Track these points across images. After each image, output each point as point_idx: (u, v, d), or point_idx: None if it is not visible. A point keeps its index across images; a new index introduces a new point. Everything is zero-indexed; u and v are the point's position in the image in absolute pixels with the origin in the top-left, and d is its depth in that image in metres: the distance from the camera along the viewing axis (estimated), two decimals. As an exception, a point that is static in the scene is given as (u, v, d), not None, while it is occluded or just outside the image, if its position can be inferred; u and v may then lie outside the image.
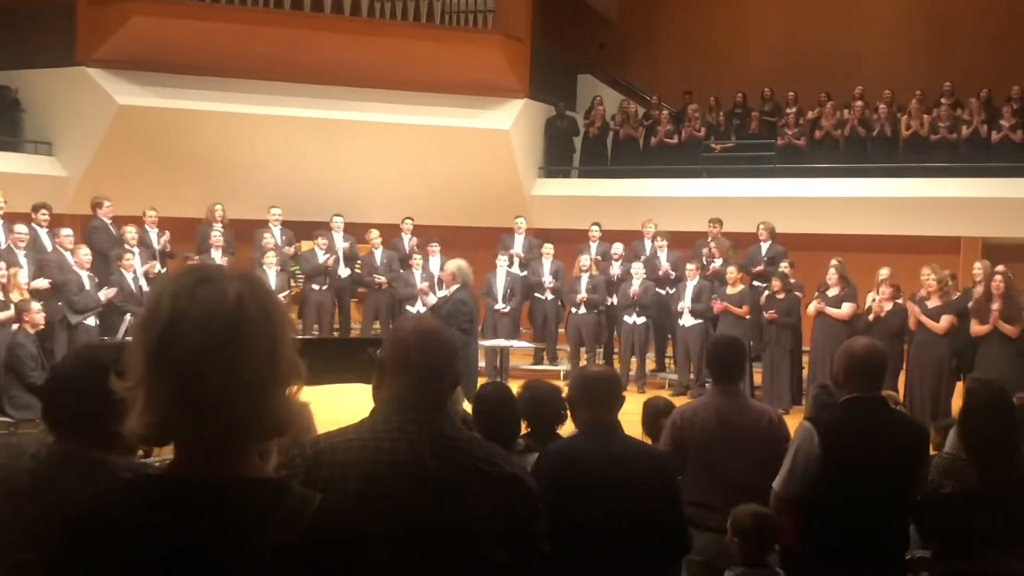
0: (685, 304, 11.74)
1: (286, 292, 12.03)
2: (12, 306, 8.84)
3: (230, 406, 1.37)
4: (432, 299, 11.04)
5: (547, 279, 12.90)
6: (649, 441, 4.78)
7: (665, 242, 12.83)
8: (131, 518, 1.37)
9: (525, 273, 13.19)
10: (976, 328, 9.49)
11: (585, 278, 12.40)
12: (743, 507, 3.80)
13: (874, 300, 10.33)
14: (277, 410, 1.43)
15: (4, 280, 9.07)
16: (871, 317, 10.22)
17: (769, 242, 12.44)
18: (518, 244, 13.54)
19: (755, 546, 3.72)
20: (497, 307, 12.59)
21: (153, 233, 12.08)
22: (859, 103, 15.05)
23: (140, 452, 2.38)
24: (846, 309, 10.50)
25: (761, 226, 12.50)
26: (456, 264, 9.04)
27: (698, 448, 4.20)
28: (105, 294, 10.30)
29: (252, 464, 1.44)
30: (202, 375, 1.36)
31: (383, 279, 12.80)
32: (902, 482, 3.68)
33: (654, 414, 5.04)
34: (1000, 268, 9.75)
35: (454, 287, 8.80)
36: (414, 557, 2.09)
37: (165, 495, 1.40)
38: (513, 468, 2.32)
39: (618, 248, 12.89)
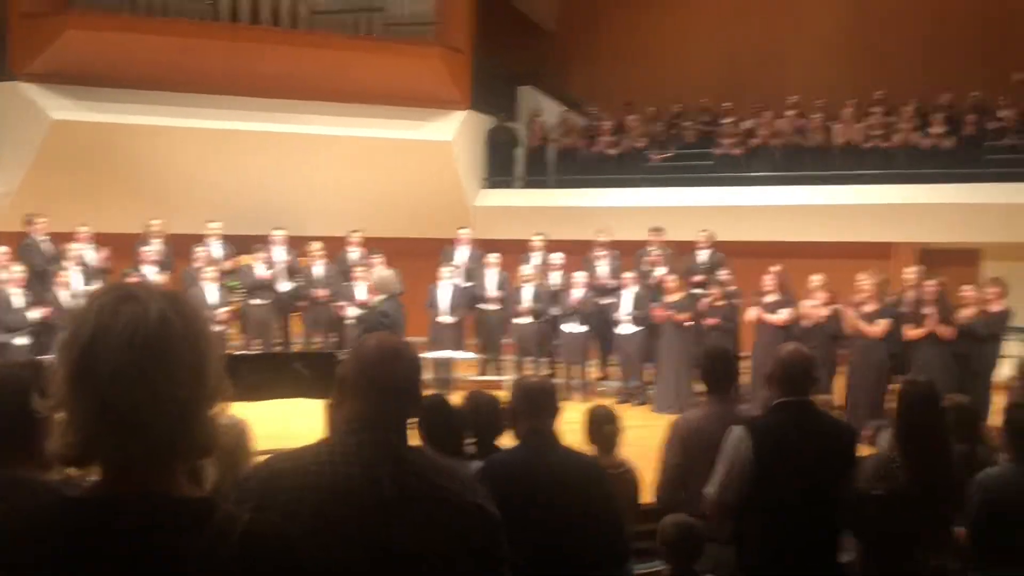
0: (625, 312, 11.83)
1: (225, 307, 11.88)
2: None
3: (154, 425, 1.37)
4: (353, 311, 10.83)
5: (492, 290, 12.91)
6: (592, 448, 4.81)
7: (605, 251, 12.90)
8: (54, 539, 1.35)
9: (469, 284, 13.19)
10: (910, 332, 9.70)
11: (528, 288, 12.44)
12: (669, 517, 3.86)
13: (813, 306, 10.51)
14: (203, 429, 1.43)
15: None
16: (807, 321, 10.42)
17: (708, 249, 12.60)
18: (462, 255, 13.53)
19: (681, 555, 3.77)
20: (441, 319, 12.56)
21: (89, 249, 11.89)
22: (793, 112, 15.31)
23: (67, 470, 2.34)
24: (783, 314, 10.67)
25: (702, 233, 12.65)
26: (377, 275, 8.98)
27: (706, 459, 4.13)
28: (37, 313, 10.11)
29: (178, 483, 1.43)
30: (125, 394, 1.35)
31: (324, 292, 12.72)
32: (832, 484, 3.74)
33: (597, 422, 5.06)
34: (932, 282, 9.95)
35: (378, 298, 8.71)
36: None
37: (89, 516, 1.39)
38: (476, 496, 2.22)
39: (557, 258, 12.95)
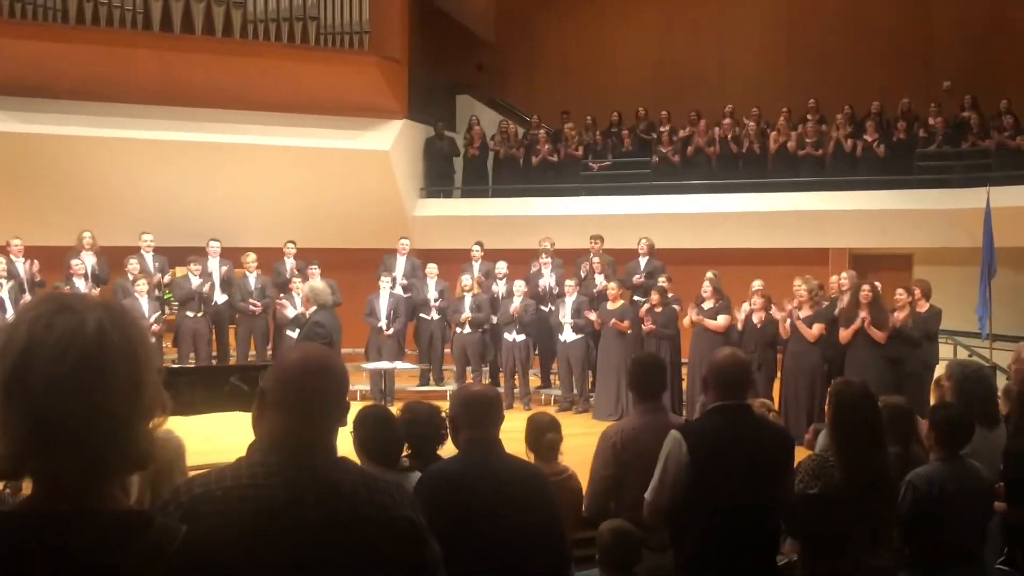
0: (566, 320, 11.89)
1: (158, 319, 11.67)
2: None
3: (89, 439, 1.34)
4: (290, 312, 10.71)
5: (432, 297, 12.88)
6: (532, 457, 4.81)
7: (550, 260, 12.95)
8: None
9: (409, 295, 13.14)
10: (844, 334, 9.88)
11: (468, 297, 12.43)
12: (606, 523, 3.87)
13: (750, 311, 10.66)
14: (139, 442, 1.40)
15: None
16: (740, 327, 10.59)
17: (648, 257, 12.71)
18: (401, 265, 13.48)
19: (617, 561, 3.79)
20: (380, 326, 12.50)
21: (19, 262, 11.62)
22: (728, 120, 15.55)
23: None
24: (721, 320, 10.80)
25: (642, 241, 12.76)
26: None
27: (641, 468, 4.11)
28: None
29: (113, 497, 1.40)
30: (58, 406, 1.32)
31: (258, 304, 12.57)
32: (769, 487, 3.77)
33: (538, 429, 5.06)
34: (866, 286, 10.15)
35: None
36: None
37: (22, 532, 1.35)
38: (403, 509, 2.15)
39: (502, 267, 12.96)
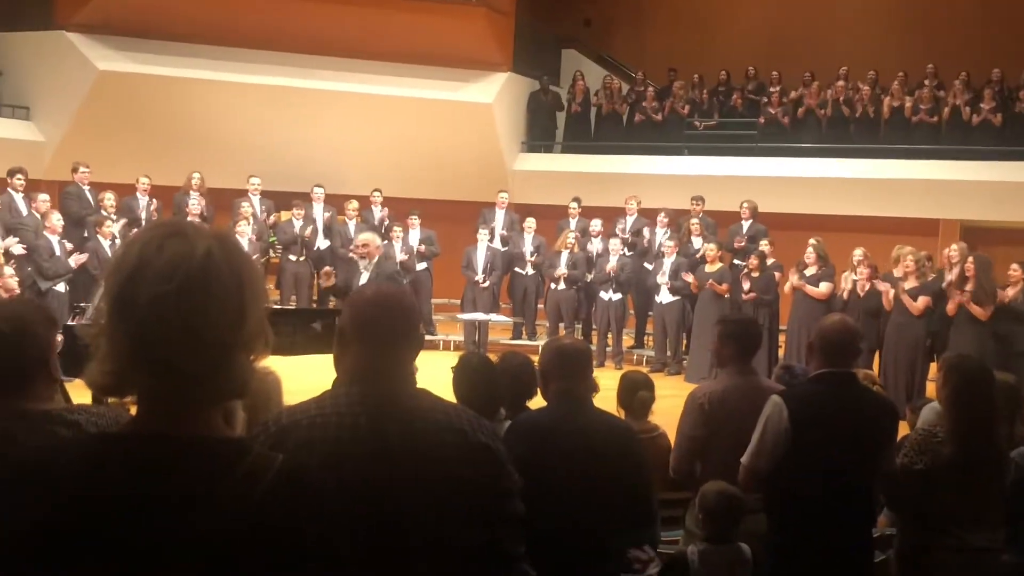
0: (663, 280, 11.76)
1: (261, 261, 11.94)
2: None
3: (187, 362, 1.35)
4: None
5: (528, 251, 12.89)
6: (623, 414, 4.78)
7: (666, 218, 12.70)
8: (87, 475, 1.34)
9: (506, 248, 13.17)
10: (949, 307, 9.59)
11: (565, 254, 12.39)
12: (710, 484, 3.82)
13: (854, 281, 10.39)
14: (237, 372, 1.41)
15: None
16: (845, 295, 10.32)
17: (750, 220, 12.46)
18: (499, 218, 13.50)
19: (720, 523, 3.74)
20: (477, 280, 12.57)
21: (143, 200, 12.00)
22: (842, 83, 15.05)
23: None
24: (823, 287, 10.55)
25: (745, 204, 12.51)
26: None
27: (731, 431, 4.08)
28: (76, 260, 10.24)
29: (213, 424, 1.42)
30: (160, 326, 1.34)
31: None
32: (870, 458, 3.68)
33: (631, 387, 5.02)
34: (970, 259, 9.79)
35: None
36: (378, 534, 2.04)
37: (123, 453, 1.38)
38: (480, 435, 2.24)
39: (596, 224, 12.87)
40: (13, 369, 2.11)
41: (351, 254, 12.51)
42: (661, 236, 12.54)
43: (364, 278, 7.80)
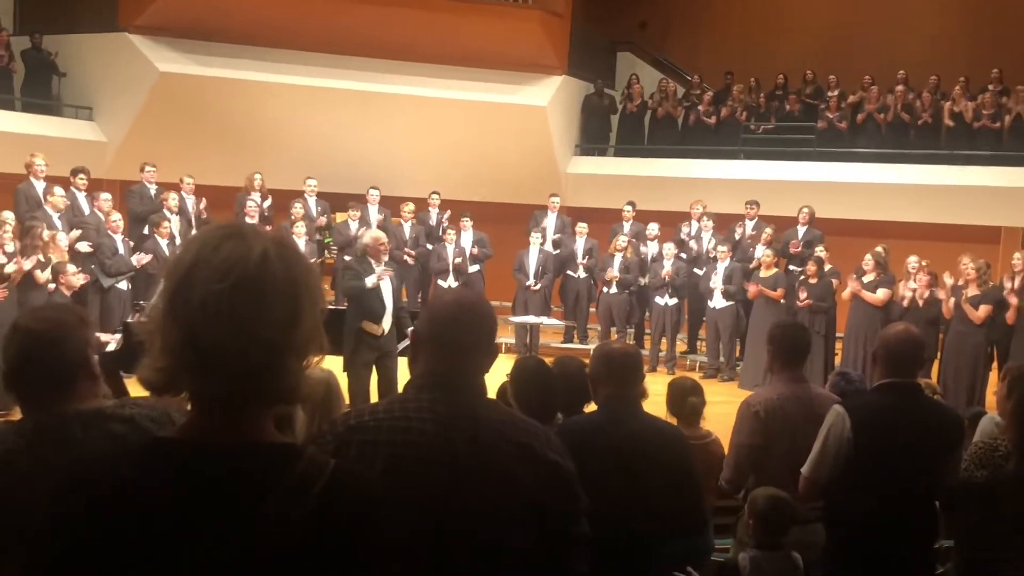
0: (717, 285, 11.66)
1: (316, 262, 12.04)
2: (50, 268, 8.95)
3: (237, 363, 1.35)
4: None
5: (581, 254, 12.86)
6: (674, 420, 4.74)
7: (711, 223, 12.65)
8: (142, 481, 1.35)
9: (557, 251, 13.15)
10: (1011, 316, 9.40)
11: (618, 257, 12.33)
12: (760, 490, 3.78)
13: (913, 290, 10.22)
14: (287, 376, 1.40)
15: (43, 242, 9.17)
16: (905, 303, 10.15)
17: (807, 226, 12.30)
18: (551, 222, 13.48)
19: (771, 529, 3.69)
20: (528, 284, 12.56)
21: (189, 200, 12.18)
22: (901, 87, 14.80)
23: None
24: (881, 294, 10.39)
25: (804, 210, 12.34)
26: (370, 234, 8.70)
27: (785, 439, 4.05)
28: (138, 259, 10.42)
29: (264, 428, 1.42)
30: (211, 326, 1.34)
31: (412, 253, 12.82)
32: (933, 469, 3.62)
33: (680, 394, 4.99)
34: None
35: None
36: (441, 542, 2.03)
37: (175, 458, 1.38)
38: (549, 451, 2.20)
39: (653, 228, 12.80)
40: (58, 371, 2.15)
41: (405, 257, 12.67)
42: (708, 241, 12.43)
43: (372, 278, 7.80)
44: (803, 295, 10.83)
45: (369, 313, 7.80)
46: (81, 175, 11.09)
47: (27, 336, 2.16)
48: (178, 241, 11.00)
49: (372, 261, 7.91)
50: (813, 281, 10.90)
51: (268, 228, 12.00)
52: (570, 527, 2.22)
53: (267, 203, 12.60)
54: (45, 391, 2.15)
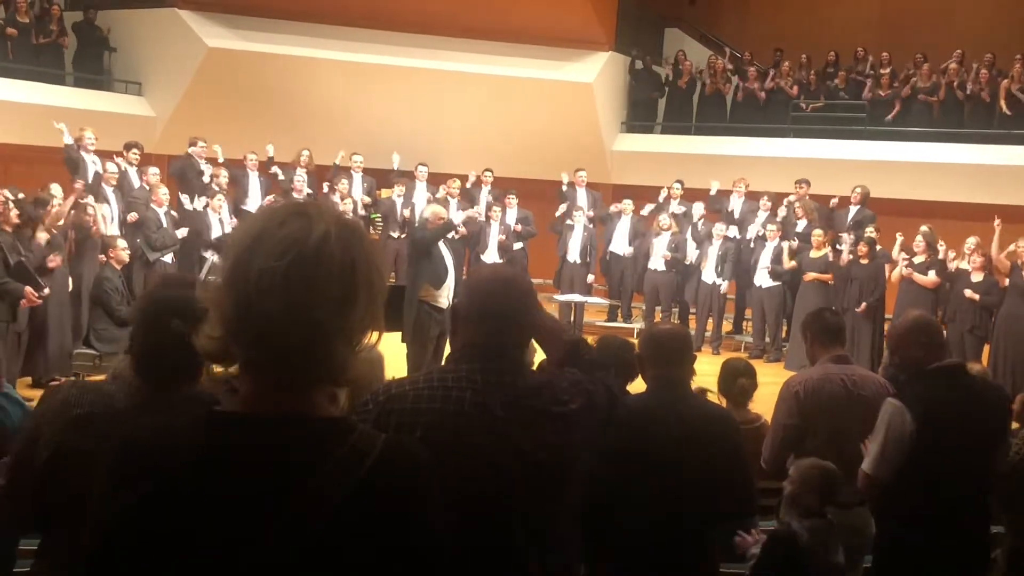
0: (764, 264, 11.54)
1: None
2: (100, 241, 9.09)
3: (287, 340, 1.36)
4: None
5: (625, 236, 12.80)
6: (724, 402, 4.71)
7: (769, 203, 12.46)
8: (194, 452, 1.37)
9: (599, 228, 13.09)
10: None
11: (664, 236, 12.24)
12: (807, 460, 3.76)
13: (960, 269, 10.08)
14: (335, 358, 1.40)
15: (93, 215, 9.30)
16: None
17: (859, 206, 12.10)
18: (581, 198, 13.35)
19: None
20: (574, 260, 12.52)
21: (253, 176, 12.28)
22: (955, 65, 14.49)
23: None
24: (932, 276, 10.24)
25: (857, 189, 12.14)
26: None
27: (825, 420, 4.04)
28: (183, 232, 10.54)
29: (316, 403, 1.42)
30: (265, 300, 1.35)
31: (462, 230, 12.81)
32: (990, 449, 3.59)
33: (731, 375, 4.96)
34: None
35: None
36: (479, 508, 2.07)
37: (227, 430, 1.40)
38: (581, 398, 2.29)
39: (699, 208, 12.69)
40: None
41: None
42: (762, 220, 12.28)
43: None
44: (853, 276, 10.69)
45: (432, 276, 7.76)
46: (134, 150, 11.21)
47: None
48: (226, 216, 11.09)
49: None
50: (864, 262, 10.74)
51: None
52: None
53: (302, 179, 12.49)
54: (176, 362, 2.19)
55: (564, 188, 13.44)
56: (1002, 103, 14.03)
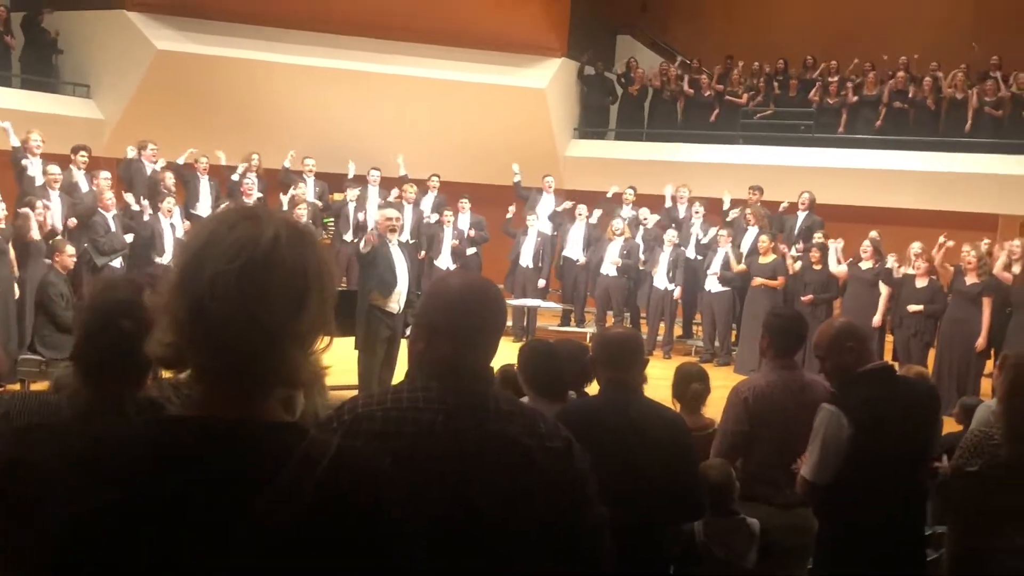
0: (714, 270, 11.67)
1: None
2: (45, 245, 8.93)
3: (239, 343, 1.36)
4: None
5: (577, 241, 12.86)
6: (677, 407, 4.75)
7: (702, 209, 12.66)
8: (144, 457, 1.36)
9: (555, 234, 13.14)
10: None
11: (617, 242, 12.32)
12: (710, 461, 3.90)
13: (905, 274, 10.26)
14: (288, 361, 1.40)
15: (41, 219, 9.14)
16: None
17: (807, 212, 12.28)
18: (545, 203, 13.41)
19: (723, 496, 3.83)
20: (526, 265, 12.56)
21: (204, 180, 12.14)
22: (902, 73, 14.76)
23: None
24: (884, 291, 10.43)
25: (804, 195, 12.32)
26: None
27: (774, 426, 4.08)
28: (131, 237, 10.39)
29: (268, 408, 1.42)
30: (216, 304, 1.34)
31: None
32: (925, 447, 3.67)
33: (685, 379, 4.98)
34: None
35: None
36: (449, 534, 1.98)
37: (180, 435, 1.39)
38: (559, 441, 2.14)
39: (645, 213, 12.81)
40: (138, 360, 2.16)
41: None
42: (698, 225, 12.48)
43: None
44: (806, 284, 10.86)
45: (380, 284, 7.74)
46: (82, 153, 11.04)
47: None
48: (177, 219, 10.96)
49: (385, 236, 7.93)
50: (817, 268, 10.90)
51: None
52: (583, 512, 2.17)
53: (253, 184, 12.38)
54: (122, 367, 2.16)
55: (517, 181, 13.50)
56: (944, 110, 14.32)
